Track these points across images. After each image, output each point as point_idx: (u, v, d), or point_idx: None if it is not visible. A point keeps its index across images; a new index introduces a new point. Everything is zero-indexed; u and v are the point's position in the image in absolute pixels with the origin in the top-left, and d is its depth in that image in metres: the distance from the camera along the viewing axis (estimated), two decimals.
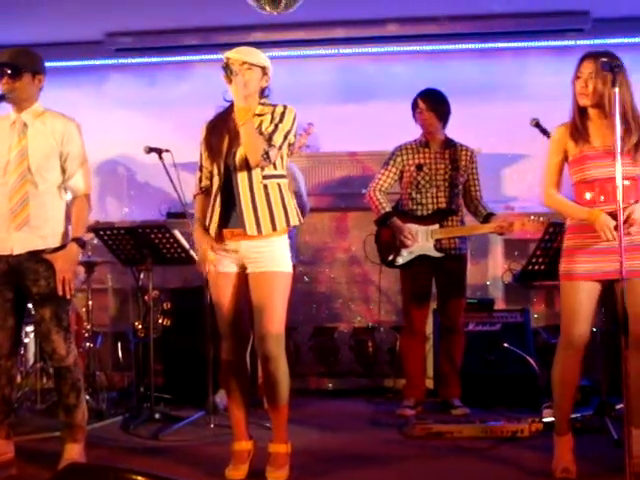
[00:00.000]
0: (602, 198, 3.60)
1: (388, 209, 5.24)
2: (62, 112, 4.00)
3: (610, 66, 3.37)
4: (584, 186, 3.65)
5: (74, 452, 3.87)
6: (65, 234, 3.92)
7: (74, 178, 3.92)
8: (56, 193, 3.90)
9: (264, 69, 3.72)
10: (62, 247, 3.85)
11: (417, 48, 6.66)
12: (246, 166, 3.62)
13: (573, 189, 3.75)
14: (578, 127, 3.66)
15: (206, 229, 3.75)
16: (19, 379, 5.19)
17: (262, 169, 3.63)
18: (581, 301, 3.61)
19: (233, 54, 3.67)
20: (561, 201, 3.73)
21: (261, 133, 3.64)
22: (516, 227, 4.95)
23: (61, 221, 3.91)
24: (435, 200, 5.19)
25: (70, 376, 3.88)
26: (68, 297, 3.82)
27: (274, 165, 3.66)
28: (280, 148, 3.65)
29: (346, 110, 6.69)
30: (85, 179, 3.96)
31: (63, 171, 3.91)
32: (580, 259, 3.62)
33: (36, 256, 3.80)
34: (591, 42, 6.37)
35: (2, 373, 3.79)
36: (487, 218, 5.17)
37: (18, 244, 3.74)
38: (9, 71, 3.79)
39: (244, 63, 3.65)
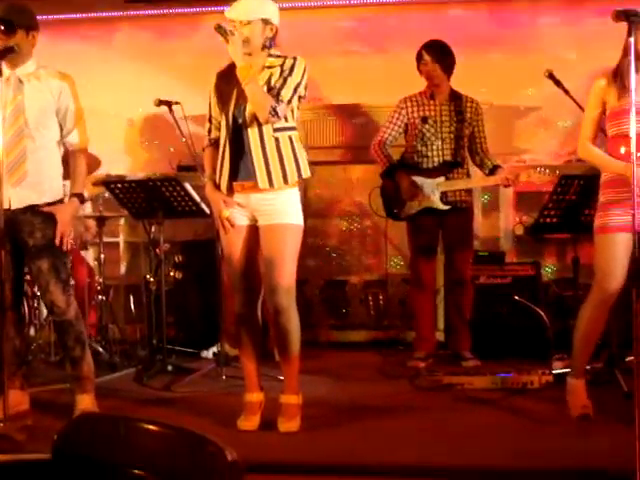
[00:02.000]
0: None
1: (393, 162, 5.21)
2: (57, 68, 3.98)
3: (626, 15, 3.30)
4: (620, 140, 3.58)
5: (86, 402, 3.94)
6: (61, 189, 3.95)
7: (72, 134, 3.93)
8: (54, 148, 3.91)
9: (265, 20, 3.66)
10: (59, 202, 3.89)
11: None
12: (256, 120, 3.60)
13: (608, 143, 3.71)
14: (622, 74, 3.54)
15: (217, 185, 3.74)
16: (33, 331, 5.24)
17: (272, 123, 3.61)
18: (616, 255, 3.60)
19: (229, 13, 3.62)
20: (597, 154, 3.72)
21: (271, 87, 3.61)
22: (522, 179, 4.92)
23: (58, 176, 3.94)
24: (440, 153, 5.15)
25: (73, 330, 3.91)
26: (65, 250, 3.85)
27: (285, 118, 3.64)
28: (289, 102, 3.62)
29: (354, 61, 6.63)
30: (82, 134, 3.97)
31: (61, 127, 3.91)
32: (615, 212, 3.61)
33: (32, 209, 3.82)
34: None
35: (10, 324, 3.82)
36: (493, 170, 5.14)
37: (15, 199, 3.73)
38: (2, 27, 3.76)
39: (241, 21, 3.60)
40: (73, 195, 3.91)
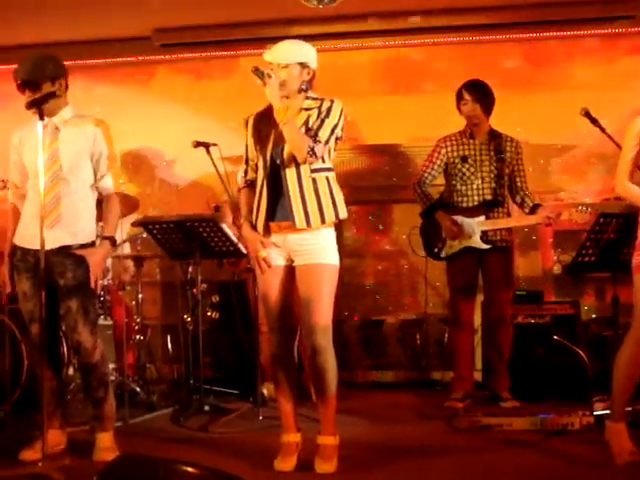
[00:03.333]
0: None
1: (433, 201, 5.21)
2: (95, 111, 4.11)
3: None
4: None
5: (106, 440, 3.99)
6: (94, 232, 4.02)
7: (105, 178, 4.01)
8: (88, 191, 4.01)
9: (302, 64, 3.71)
10: (91, 244, 3.97)
11: (462, 38, 6.60)
12: (294, 161, 3.64)
13: None
14: None
15: (253, 225, 3.77)
16: (71, 371, 5.28)
17: (310, 163, 3.64)
18: None
19: (267, 56, 3.69)
20: (636, 191, 3.68)
21: (309, 128, 3.65)
22: (563, 217, 4.89)
23: (91, 219, 4.03)
24: (481, 192, 5.14)
25: (98, 372, 3.96)
26: (96, 292, 3.97)
27: (322, 159, 3.67)
28: (327, 143, 3.66)
29: (390, 101, 6.67)
30: (115, 179, 4.07)
31: (94, 171, 4.00)
32: None
33: (64, 250, 3.89)
34: None
35: (46, 366, 3.84)
36: (534, 209, 5.11)
37: (49, 240, 3.77)
38: (27, 87, 3.89)
39: (278, 64, 3.67)
40: (105, 238, 3.98)
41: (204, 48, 6.87)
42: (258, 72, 3.59)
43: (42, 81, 3.90)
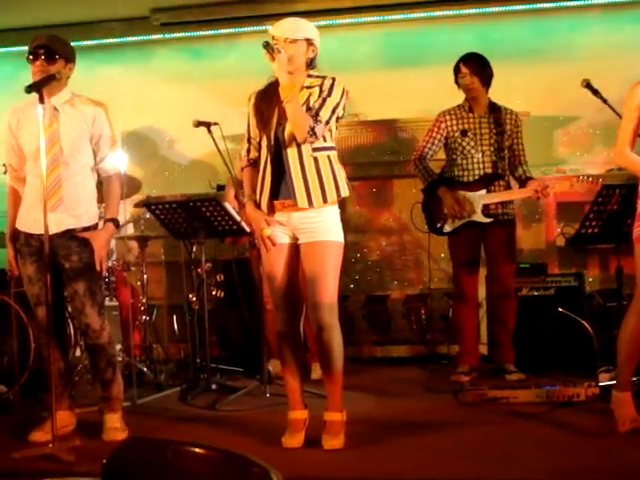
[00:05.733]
0: None
1: (435, 177, 5.21)
2: (96, 92, 4.13)
3: None
4: None
5: (115, 421, 4.02)
6: (96, 214, 4.04)
7: (106, 160, 4.01)
8: (88, 173, 4.01)
9: (309, 41, 3.69)
10: (94, 226, 3.98)
11: (465, 11, 6.55)
12: (295, 140, 3.63)
13: None
14: None
15: (257, 204, 3.77)
16: (79, 352, 5.31)
17: (310, 143, 3.63)
18: None
19: (275, 31, 3.66)
20: (635, 160, 3.67)
21: (309, 107, 3.64)
22: (551, 190, 4.90)
23: (93, 201, 4.03)
24: (481, 165, 5.13)
25: (105, 353, 3.99)
26: (102, 274, 3.98)
27: (324, 137, 3.66)
28: (327, 122, 3.64)
29: (391, 77, 6.64)
30: (116, 160, 4.07)
31: (94, 153, 3.99)
32: None
33: (68, 233, 3.90)
34: None
35: (54, 348, 3.86)
36: (524, 182, 5.11)
37: (53, 224, 3.78)
38: (44, 55, 3.85)
39: (286, 39, 3.64)
40: (108, 220, 3.98)
41: (204, 26, 6.84)
42: (269, 47, 3.55)
43: (60, 55, 3.89)
